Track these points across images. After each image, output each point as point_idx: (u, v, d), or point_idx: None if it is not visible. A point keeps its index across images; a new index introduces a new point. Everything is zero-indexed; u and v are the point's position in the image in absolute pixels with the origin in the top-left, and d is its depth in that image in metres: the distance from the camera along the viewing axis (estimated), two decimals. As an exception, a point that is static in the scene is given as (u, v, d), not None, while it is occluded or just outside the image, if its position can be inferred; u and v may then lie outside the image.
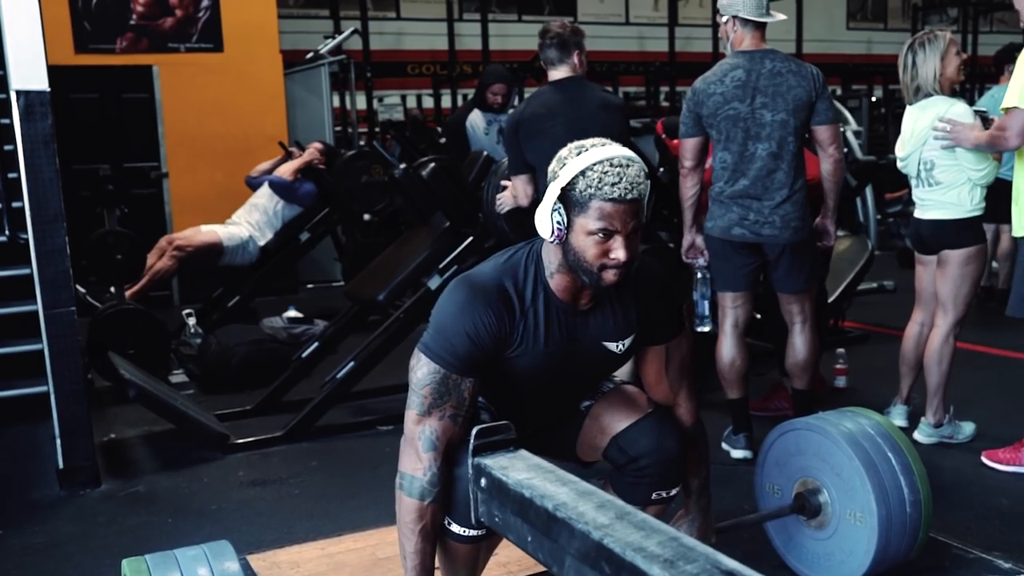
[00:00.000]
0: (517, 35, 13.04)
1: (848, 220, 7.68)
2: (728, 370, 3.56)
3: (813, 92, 3.35)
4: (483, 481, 1.93)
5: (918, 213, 3.66)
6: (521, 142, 3.59)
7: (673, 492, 2.21)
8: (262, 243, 5.98)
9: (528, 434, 2.16)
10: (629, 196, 1.83)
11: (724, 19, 3.42)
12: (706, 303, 3.84)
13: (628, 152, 1.87)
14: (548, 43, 3.62)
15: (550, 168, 1.92)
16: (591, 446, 2.25)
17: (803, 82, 3.34)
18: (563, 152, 1.90)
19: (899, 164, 3.68)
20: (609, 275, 1.91)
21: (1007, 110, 3.17)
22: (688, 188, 3.53)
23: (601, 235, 1.86)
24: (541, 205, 1.90)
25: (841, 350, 4.55)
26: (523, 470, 1.88)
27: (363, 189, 6.08)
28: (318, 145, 6.38)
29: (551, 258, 1.98)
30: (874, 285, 6.34)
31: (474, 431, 1.96)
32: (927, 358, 3.64)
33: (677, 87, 12.91)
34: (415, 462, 1.98)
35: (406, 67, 13.22)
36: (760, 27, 3.40)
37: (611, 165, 1.83)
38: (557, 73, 3.65)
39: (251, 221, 5.99)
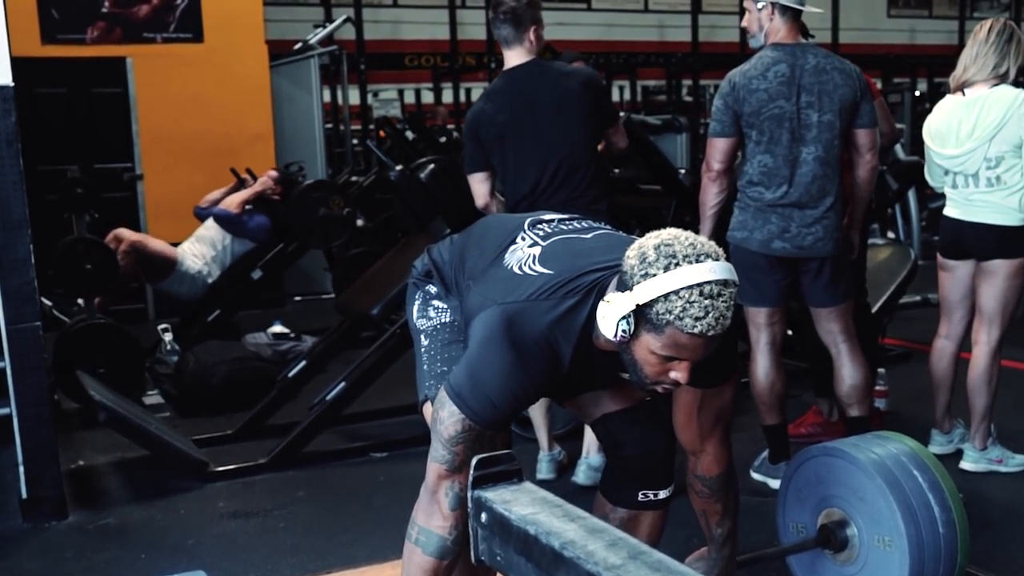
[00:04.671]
0: (525, 23, 12.98)
1: (888, 226, 7.65)
2: (767, 393, 3.54)
3: (858, 92, 3.36)
4: (484, 516, 1.93)
5: (958, 214, 3.62)
6: (483, 143, 3.51)
7: (662, 495, 2.25)
8: (210, 280, 5.84)
9: None
10: (711, 333, 1.74)
11: (760, 6, 3.40)
12: None
13: (723, 273, 1.73)
14: (501, 19, 3.47)
15: (628, 264, 1.78)
16: (584, 412, 2.34)
17: (848, 81, 3.34)
18: (649, 254, 1.75)
19: (948, 161, 3.57)
20: (660, 388, 1.89)
21: None
22: (714, 195, 3.47)
23: (667, 359, 1.81)
24: (609, 307, 1.78)
25: (881, 370, 4.53)
26: (527, 504, 1.87)
27: (321, 223, 5.89)
28: (272, 174, 6.31)
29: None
30: (917, 298, 6.33)
31: (474, 461, 1.96)
32: (973, 379, 3.63)
33: (701, 80, 12.90)
34: (438, 519, 2.01)
35: (403, 59, 13.25)
36: (797, 18, 3.41)
37: (700, 295, 1.71)
38: (512, 57, 3.52)
39: (196, 254, 5.84)
